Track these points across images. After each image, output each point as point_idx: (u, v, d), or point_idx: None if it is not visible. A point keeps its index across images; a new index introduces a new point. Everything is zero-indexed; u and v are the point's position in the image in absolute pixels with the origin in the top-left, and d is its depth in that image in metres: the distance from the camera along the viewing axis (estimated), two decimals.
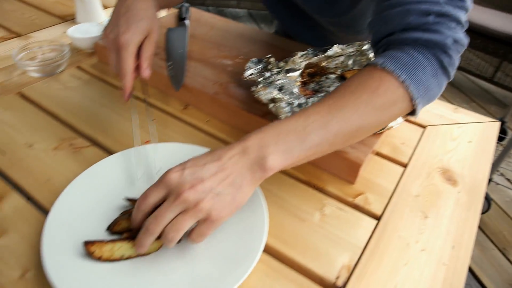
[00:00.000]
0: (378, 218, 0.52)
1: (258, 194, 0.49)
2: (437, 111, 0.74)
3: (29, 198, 0.52)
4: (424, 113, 0.72)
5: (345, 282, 0.44)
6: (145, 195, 0.40)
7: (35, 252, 0.45)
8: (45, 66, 0.74)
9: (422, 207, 0.54)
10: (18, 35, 0.90)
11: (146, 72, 0.54)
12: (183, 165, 0.40)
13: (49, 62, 0.74)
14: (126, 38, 0.51)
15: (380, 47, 0.50)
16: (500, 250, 1.57)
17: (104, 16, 0.98)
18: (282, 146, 0.40)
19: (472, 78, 2.70)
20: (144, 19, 0.54)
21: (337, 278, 0.44)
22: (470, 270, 1.48)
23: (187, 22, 0.85)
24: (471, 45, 2.53)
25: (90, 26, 0.84)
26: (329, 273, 0.45)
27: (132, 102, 0.64)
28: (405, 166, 0.61)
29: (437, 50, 0.45)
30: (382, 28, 0.48)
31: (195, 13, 0.93)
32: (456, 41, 0.45)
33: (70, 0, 1.08)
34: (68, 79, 0.75)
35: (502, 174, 1.92)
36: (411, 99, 0.44)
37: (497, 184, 1.86)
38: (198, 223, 0.39)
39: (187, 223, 0.38)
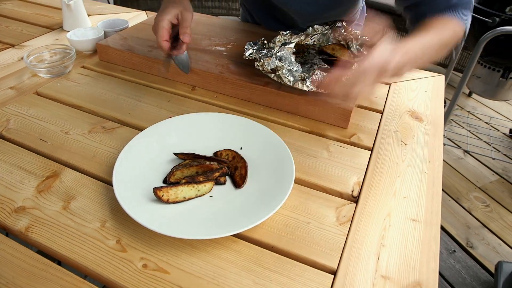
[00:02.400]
0: (370, 149, 0.66)
1: (281, 141, 0.61)
2: None
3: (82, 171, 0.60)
4: None
5: (359, 193, 0.57)
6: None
7: (106, 208, 0.54)
8: (54, 68, 0.81)
9: (401, 138, 0.69)
10: (12, 45, 0.95)
11: (185, 37, 0.71)
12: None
13: (58, 63, 0.81)
14: (160, 19, 0.69)
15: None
16: (455, 200, 1.80)
17: (90, 23, 1.05)
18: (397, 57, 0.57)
19: None
20: (175, 6, 0.72)
21: (352, 191, 0.58)
22: None
23: None
24: (405, 29, 2.81)
25: (85, 30, 0.92)
26: (346, 189, 0.58)
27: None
28: (381, 112, 0.76)
29: (469, 10, 0.69)
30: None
31: None
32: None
33: (51, 11, 1.14)
34: (77, 77, 0.83)
35: (446, 137, 2.19)
36: (464, 34, 0.69)
37: (445, 145, 2.12)
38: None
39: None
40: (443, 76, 0.90)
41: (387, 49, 0.57)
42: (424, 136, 0.70)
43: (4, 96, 0.76)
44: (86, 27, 0.94)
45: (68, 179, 0.58)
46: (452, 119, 2.32)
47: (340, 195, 0.57)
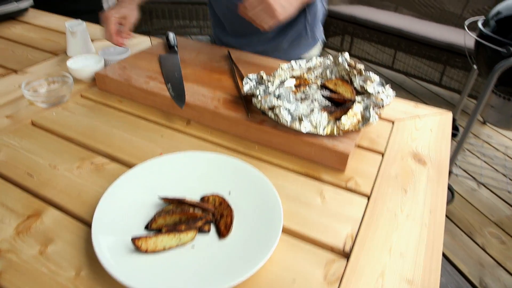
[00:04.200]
0: (368, 196, 0.63)
1: (272, 188, 0.58)
2: (401, 108, 0.87)
3: (65, 211, 0.58)
4: (392, 111, 0.85)
5: (351, 248, 0.54)
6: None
7: (83, 255, 0.51)
8: (51, 97, 0.80)
9: (402, 184, 0.65)
10: (15, 71, 0.96)
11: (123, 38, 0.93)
12: None
13: (56, 93, 0.80)
14: (109, 14, 0.90)
15: None
16: (467, 235, 1.73)
17: (93, 49, 1.05)
18: None
19: (423, 83, 2.96)
20: (124, 7, 0.93)
21: (344, 245, 0.54)
22: (444, 256, 1.62)
23: (176, 48, 0.95)
24: (418, 54, 2.79)
25: (86, 58, 0.92)
26: (337, 242, 0.54)
27: None
28: (382, 154, 0.72)
29: None
30: None
31: (181, 41, 1.03)
32: None
33: (58, 36, 1.15)
34: (74, 106, 0.82)
35: (460, 167, 2.12)
36: None
37: (457, 175, 2.05)
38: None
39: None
40: (451, 114, 0.86)
41: None
42: (426, 182, 0.66)
43: (0, 126, 0.76)
44: (87, 54, 0.94)
45: (49, 220, 0.56)
46: (466, 148, 2.25)
47: (331, 249, 0.54)
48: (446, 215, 1.82)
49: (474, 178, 2.05)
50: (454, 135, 2.32)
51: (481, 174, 2.05)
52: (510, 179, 2.04)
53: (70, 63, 0.89)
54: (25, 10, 1.29)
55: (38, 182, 0.63)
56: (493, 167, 2.13)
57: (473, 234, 1.73)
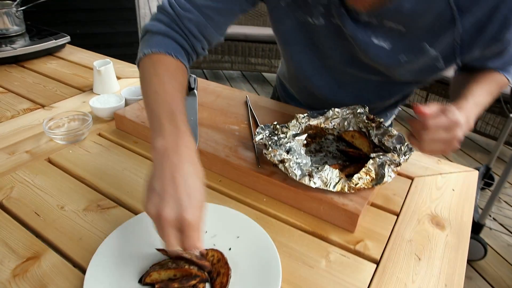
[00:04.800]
0: (377, 262, 0.58)
1: (272, 246, 0.56)
2: (422, 163, 0.82)
3: (64, 256, 0.58)
4: (412, 166, 0.81)
5: None
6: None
7: None
8: (70, 135, 0.82)
9: (416, 251, 0.60)
10: (42, 106, 1.00)
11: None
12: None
13: (74, 131, 0.82)
14: (196, 216, 0.46)
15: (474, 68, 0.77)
16: None
17: (118, 87, 1.08)
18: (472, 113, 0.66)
19: None
20: (199, 186, 0.52)
21: None
22: None
23: (195, 91, 0.96)
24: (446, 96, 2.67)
25: (108, 97, 0.95)
26: None
27: None
28: (397, 214, 0.68)
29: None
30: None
31: (202, 83, 1.04)
32: None
33: (87, 72, 1.21)
34: (91, 145, 0.83)
35: (494, 219, 1.98)
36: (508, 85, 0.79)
37: (491, 229, 1.92)
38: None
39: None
40: (476, 172, 0.81)
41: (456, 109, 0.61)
42: (444, 249, 0.61)
43: (18, 161, 0.78)
44: (110, 93, 0.97)
45: (47, 263, 0.56)
46: (502, 199, 2.11)
47: None
48: (478, 272, 1.69)
49: (511, 232, 1.91)
50: (488, 185, 2.20)
51: None
52: None
53: (92, 102, 0.91)
54: (62, 46, 1.36)
55: (44, 223, 0.63)
56: None
57: None
